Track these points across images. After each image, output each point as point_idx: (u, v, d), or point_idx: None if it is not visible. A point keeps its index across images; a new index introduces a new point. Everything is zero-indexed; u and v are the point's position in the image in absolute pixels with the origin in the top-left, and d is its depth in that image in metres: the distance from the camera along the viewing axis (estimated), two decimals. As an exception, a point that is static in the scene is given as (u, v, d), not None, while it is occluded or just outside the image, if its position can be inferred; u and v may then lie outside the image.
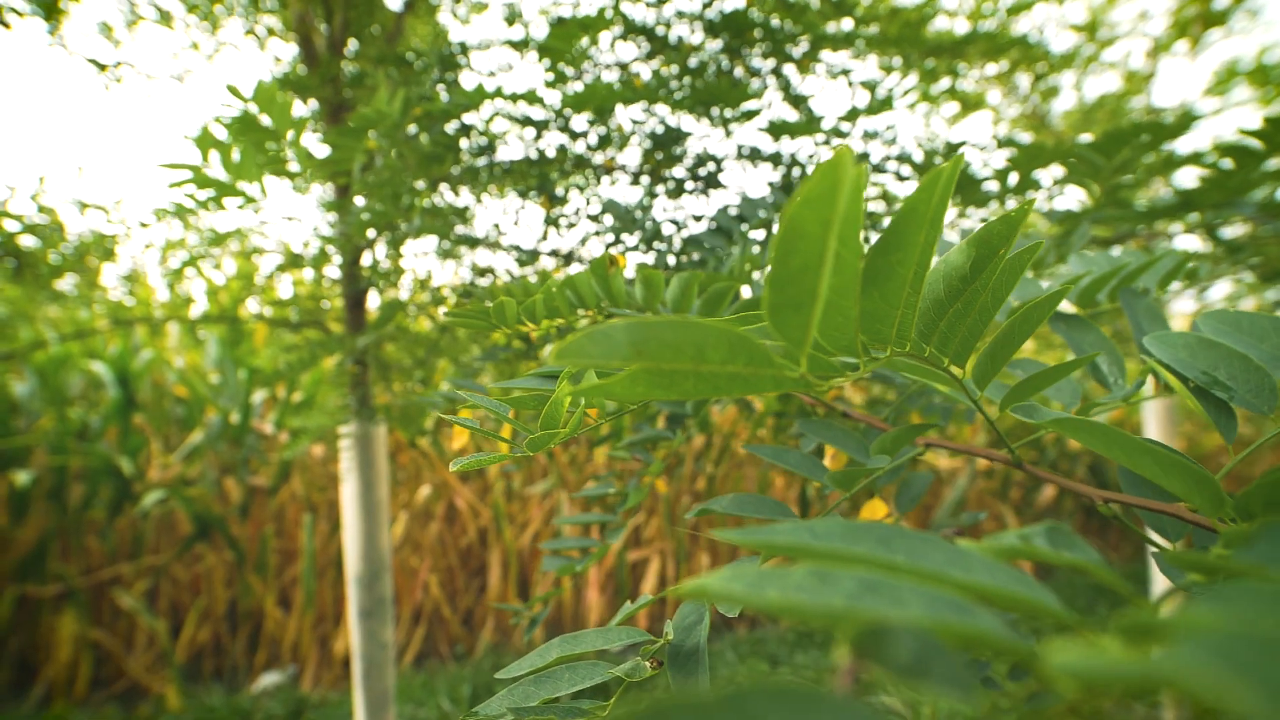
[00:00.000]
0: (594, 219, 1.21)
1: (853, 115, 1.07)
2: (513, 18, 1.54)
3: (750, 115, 1.03)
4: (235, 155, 0.67)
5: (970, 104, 2.23)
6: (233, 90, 0.62)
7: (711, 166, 1.09)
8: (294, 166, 0.77)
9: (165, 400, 3.51)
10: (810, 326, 0.16)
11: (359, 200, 1.02)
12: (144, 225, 0.74)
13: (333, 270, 1.56)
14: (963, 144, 0.89)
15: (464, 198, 1.41)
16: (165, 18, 1.61)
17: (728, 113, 1.08)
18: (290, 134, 0.72)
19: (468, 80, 1.15)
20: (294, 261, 1.35)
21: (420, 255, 1.42)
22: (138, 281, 1.47)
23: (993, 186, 0.88)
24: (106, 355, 3.45)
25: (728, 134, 1.25)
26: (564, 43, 0.81)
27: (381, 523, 1.54)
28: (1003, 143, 0.84)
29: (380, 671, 1.57)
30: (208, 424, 3.33)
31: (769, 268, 0.16)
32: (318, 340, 1.22)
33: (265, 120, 0.68)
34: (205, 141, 0.62)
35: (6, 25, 1.30)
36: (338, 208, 0.92)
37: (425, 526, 3.44)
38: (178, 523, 3.35)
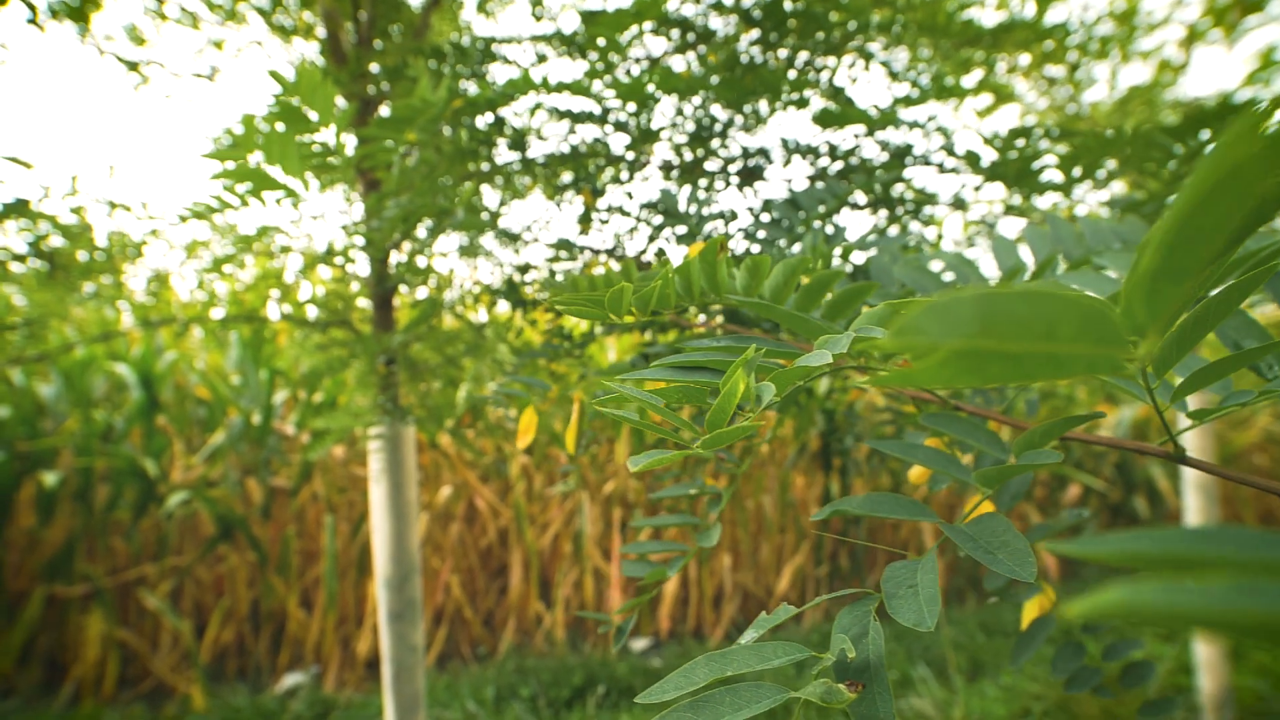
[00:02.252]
0: (626, 213, 1.18)
1: (906, 103, 1.03)
2: (540, 14, 1.52)
3: (803, 103, 1.00)
4: (277, 148, 0.65)
5: (1003, 96, 2.18)
6: (276, 76, 0.60)
7: (758, 159, 1.05)
8: (332, 159, 0.75)
9: (187, 402, 3.52)
10: (1183, 298, 0.13)
11: (391, 196, 0.99)
12: (181, 220, 0.73)
13: (358, 269, 1.54)
14: (1024, 131, 0.86)
15: (489, 196, 1.38)
16: (191, 18, 1.60)
17: (766, 105, 1.05)
18: (332, 125, 0.69)
19: (501, 73, 1.13)
20: (322, 260, 1.34)
21: (443, 255, 1.40)
22: (163, 283, 1.46)
23: (1055, 176, 0.85)
24: (130, 357, 3.47)
25: (760, 122, 1.22)
26: (613, 30, 0.78)
27: (411, 524, 1.53)
28: (1064, 132, 0.81)
29: (410, 674, 1.55)
30: (229, 425, 3.34)
31: (1162, 230, 0.13)
32: (352, 339, 1.21)
33: (308, 111, 0.66)
34: (249, 132, 0.60)
35: (40, 27, 1.30)
36: (373, 204, 0.90)
37: (446, 527, 3.43)
38: (200, 524, 3.36)
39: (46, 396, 3.25)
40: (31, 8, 1.24)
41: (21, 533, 3.08)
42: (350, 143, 1.06)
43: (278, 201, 0.76)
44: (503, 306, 1.64)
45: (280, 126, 0.66)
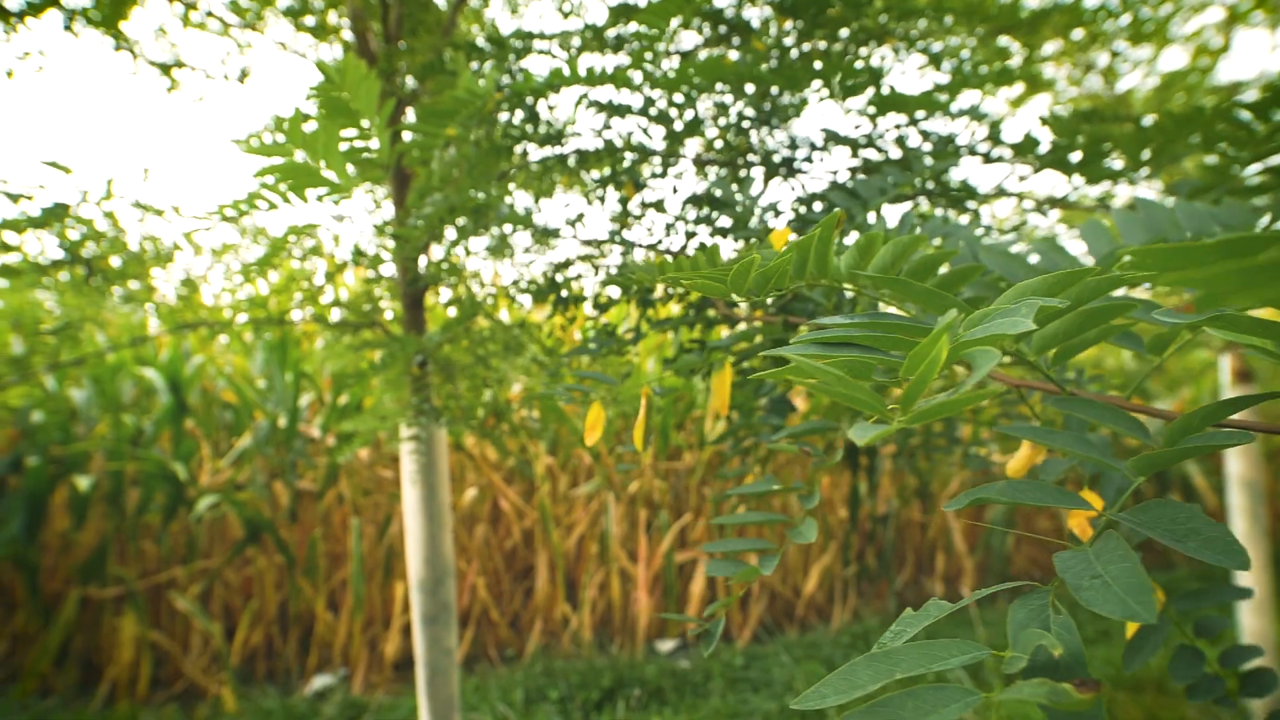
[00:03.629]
0: (663, 209, 1.15)
1: (945, 91, 1.00)
2: (569, 9, 1.49)
3: (855, 90, 0.96)
4: (321, 142, 0.64)
5: (1037, 84, 2.12)
6: (322, 67, 0.58)
7: (795, 151, 1.02)
8: (373, 155, 0.73)
9: (214, 406, 3.56)
10: None
11: (433, 191, 0.98)
12: (221, 218, 0.71)
13: (388, 270, 1.53)
14: (1091, 113, 0.82)
15: (520, 195, 1.37)
16: (220, 22, 1.60)
17: (811, 93, 1.02)
18: (374, 119, 0.68)
19: (536, 68, 1.11)
20: (354, 260, 1.33)
21: (476, 255, 1.38)
22: (193, 287, 1.46)
23: (1116, 163, 0.81)
24: (158, 362, 3.51)
25: (796, 114, 1.18)
26: (661, 20, 0.76)
27: (445, 527, 1.51)
28: (1132, 118, 0.77)
29: (445, 678, 1.53)
30: (256, 428, 3.37)
31: None
32: (385, 341, 1.19)
33: (352, 104, 0.64)
34: (296, 125, 0.58)
35: (75, 34, 1.30)
36: (415, 198, 0.88)
37: (471, 529, 3.43)
38: (229, 526, 3.39)
39: (78, 401, 3.29)
40: (69, 15, 1.24)
41: (56, 535, 3.12)
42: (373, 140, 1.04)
43: (319, 199, 0.75)
44: (526, 304, 1.61)
45: (321, 122, 0.64)
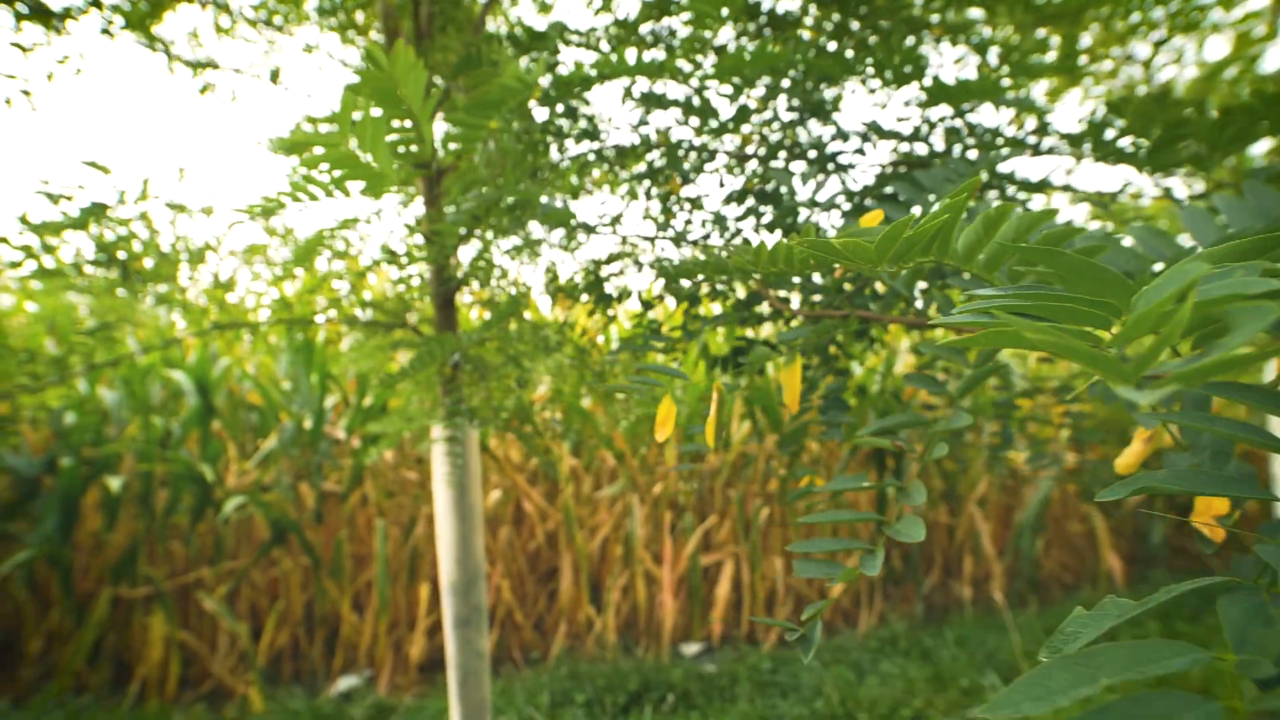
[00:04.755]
0: (699, 205, 1.13)
1: (1015, 76, 0.96)
2: (600, 5, 1.47)
3: (906, 79, 0.93)
4: (369, 132, 0.62)
5: (1076, 76, 2.07)
6: (373, 51, 0.56)
7: (852, 144, 0.99)
8: (417, 147, 0.71)
9: (240, 407, 3.58)
10: None
11: (455, 188, 0.96)
12: (254, 209, 0.70)
13: (420, 269, 1.52)
14: (1165, 96, 0.78)
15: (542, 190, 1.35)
16: (251, 24, 1.60)
17: (857, 82, 0.99)
18: (421, 109, 0.66)
19: (571, 60, 1.09)
20: (387, 259, 1.31)
21: (512, 252, 1.36)
22: (227, 287, 1.46)
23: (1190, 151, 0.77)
24: (186, 364, 3.54)
25: (835, 109, 1.15)
26: (712, 6, 0.73)
27: (476, 529, 1.50)
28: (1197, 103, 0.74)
29: (477, 681, 1.52)
30: (281, 430, 3.39)
31: None
32: (418, 341, 1.18)
33: (401, 91, 0.62)
34: (346, 112, 0.56)
35: (111, 36, 1.30)
36: (456, 196, 0.86)
37: (495, 531, 3.42)
38: (255, 528, 3.41)
39: (109, 403, 3.33)
40: (107, 19, 1.24)
41: (88, 535, 3.16)
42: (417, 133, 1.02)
43: (362, 191, 0.73)
44: (544, 305, 1.59)
45: (368, 110, 0.62)
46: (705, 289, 0.82)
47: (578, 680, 2.79)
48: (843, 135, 0.99)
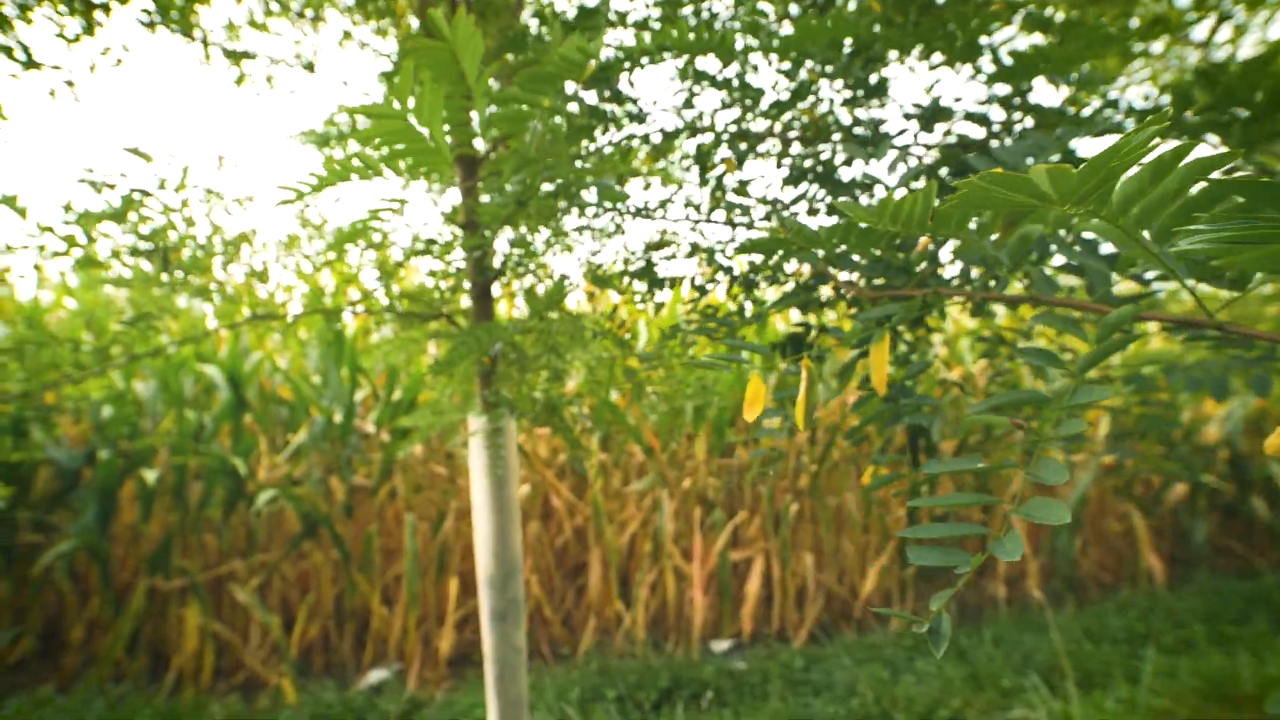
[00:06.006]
0: (744, 192, 1.09)
1: (1042, 59, 0.91)
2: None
3: (975, 54, 0.89)
4: (427, 105, 0.59)
5: (1128, 57, 1.99)
6: (433, 19, 0.54)
7: (912, 125, 0.95)
8: (473, 126, 0.68)
9: (270, 402, 3.61)
10: None
11: (509, 167, 0.93)
12: (314, 189, 0.68)
13: (457, 259, 1.50)
14: (1269, 59, 0.73)
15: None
16: (289, 13, 1.59)
17: (918, 57, 0.94)
18: (477, 82, 0.63)
19: (614, 40, 1.06)
20: (425, 248, 1.29)
21: (551, 246, 1.34)
22: (261, 278, 1.45)
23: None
24: (218, 359, 3.58)
25: (884, 92, 1.11)
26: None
27: (514, 521, 1.48)
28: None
29: (514, 676, 1.50)
30: (312, 424, 3.41)
31: None
32: (461, 331, 1.15)
33: (461, 62, 0.59)
34: (405, 84, 0.54)
35: (151, 28, 1.30)
36: (509, 176, 0.83)
37: (523, 526, 3.41)
38: (285, 521, 3.44)
39: (144, 397, 3.38)
40: (148, 12, 1.24)
41: (125, 527, 3.21)
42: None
43: (411, 168, 0.70)
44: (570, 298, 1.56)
45: (427, 83, 0.59)
46: (765, 273, 0.79)
47: (608, 676, 2.77)
48: (906, 115, 0.95)
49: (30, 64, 1.18)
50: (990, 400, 0.49)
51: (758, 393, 0.51)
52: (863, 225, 0.48)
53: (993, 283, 0.74)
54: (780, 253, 0.80)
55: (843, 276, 0.78)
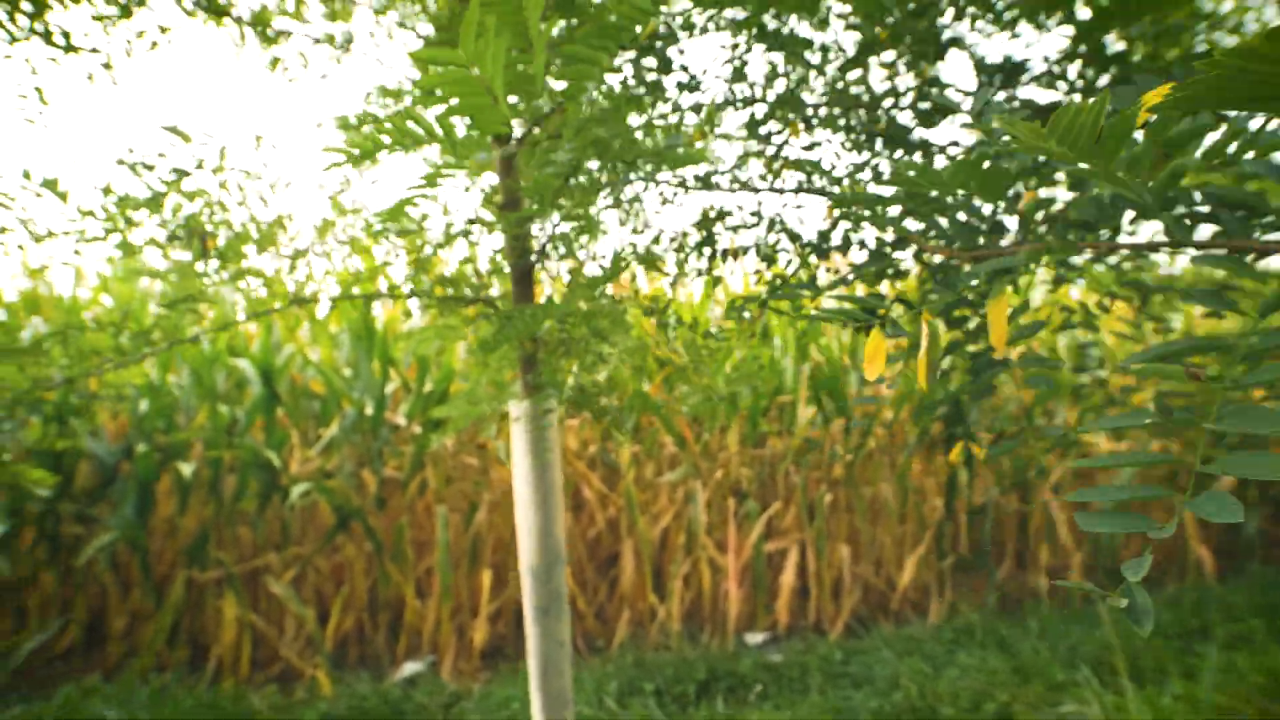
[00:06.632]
0: (793, 165, 1.03)
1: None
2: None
3: (1062, 4, 0.82)
4: (490, 55, 0.55)
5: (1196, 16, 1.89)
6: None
7: (984, 90, 0.89)
8: (531, 85, 0.64)
9: (301, 395, 3.63)
10: None
11: (569, 130, 0.88)
12: (345, 152, 0.64)
13: (495, 242, 1.47)
14: None
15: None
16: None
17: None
18: (539, 32, 0.58)
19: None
20: (466, 228, 1.26)
21: (600, 227, 1.29)
22: (300, 256, 1.42)
23: None
24: (250, 352, 3.60)
25: (936, 62, 1.04)
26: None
27: (557, 509, 1.44)
28: None
29: (558, 670, 1.47)
30: (343, 417, 3.41)
31: None
32: (503, 314, 1.12)
33: (524, 11, 0.55)
34: (469, 29, 0.49)
35: (190, 13, 1.27)
36: (573, 131, 0.79)
37: (554, 516, 3.39)
38: (318, 514, 3.46)
39: (178, 392, 3.41)
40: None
41: (162, 521, 3.24)
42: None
43: (471, 127, 0.66)
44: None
45: (490, 32, 0.55)
46: (837, 240, 0.74)
47: (644, 669, 2.74)
48: (979, 68, 0.89)
49: (69, 48, 1.16)
50: (1157, 348, 0.43)
51: (878, 348, 0.46)
52: (985, 165, 0.42)
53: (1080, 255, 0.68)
54: (853, 220, 0.75)
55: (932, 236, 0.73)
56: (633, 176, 1.01)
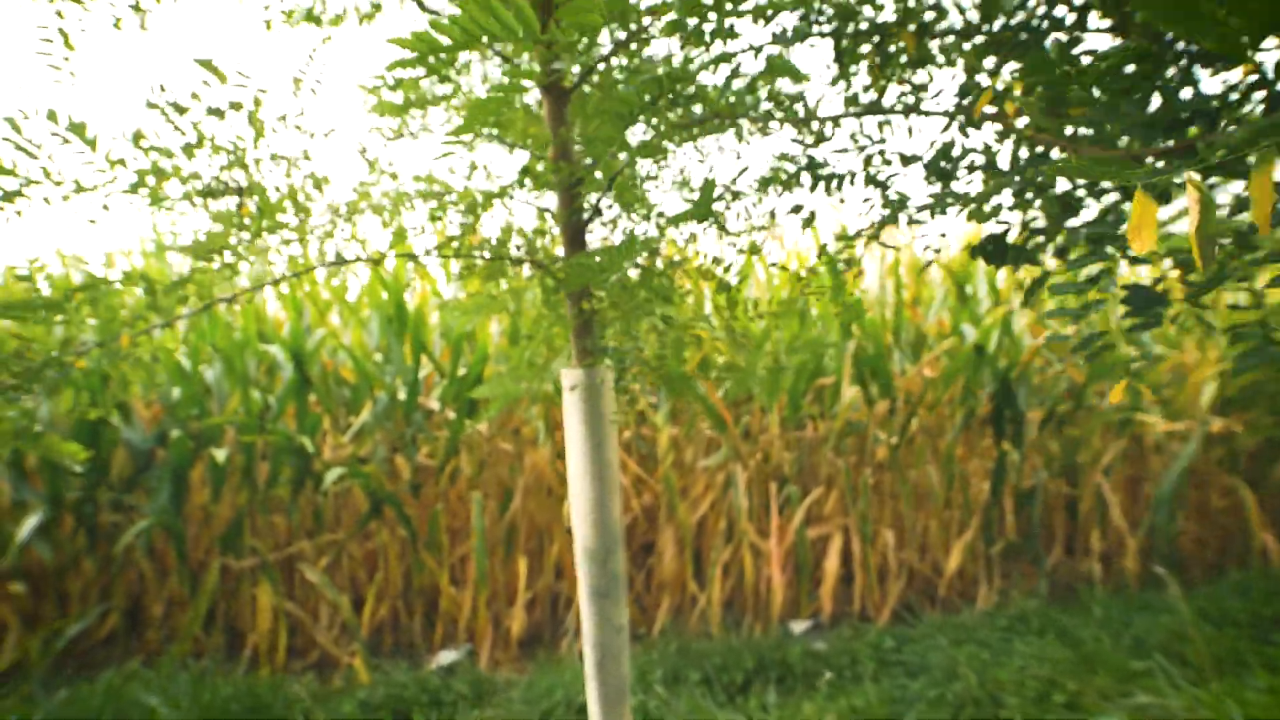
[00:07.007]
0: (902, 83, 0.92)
1: None
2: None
3: None
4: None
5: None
6: None
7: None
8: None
9: (332, 380, 3.58)
10: None
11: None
12: (398, 66, 0.56)
13: (548, 201, 1.37)
14: None
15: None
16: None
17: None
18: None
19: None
20: (518, 183, 1.16)
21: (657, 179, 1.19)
22: (348, 215, 1.34)
23: None
24: (281, 338, 3.55)
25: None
26: None
27: (613, 488, 1.35)
28: None
29: (615, 659, 1.38)
30: (375, 402, 3.36)
31: None
32: (556, 275, 1.02)
33: None
34: None
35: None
36: (595, 105, 0.69)
37: (590, 502, 3.31)
38: (352, 500, 3.41)
39: (210, 378, 3.38)
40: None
41: (197, 508, 3.22)
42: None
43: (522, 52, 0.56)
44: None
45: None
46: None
47: (687, 657, 2.65)
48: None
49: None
50: None
51: (1147, 212, 0.36)
52: None
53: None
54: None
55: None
56: (698, 111, 0.90)
